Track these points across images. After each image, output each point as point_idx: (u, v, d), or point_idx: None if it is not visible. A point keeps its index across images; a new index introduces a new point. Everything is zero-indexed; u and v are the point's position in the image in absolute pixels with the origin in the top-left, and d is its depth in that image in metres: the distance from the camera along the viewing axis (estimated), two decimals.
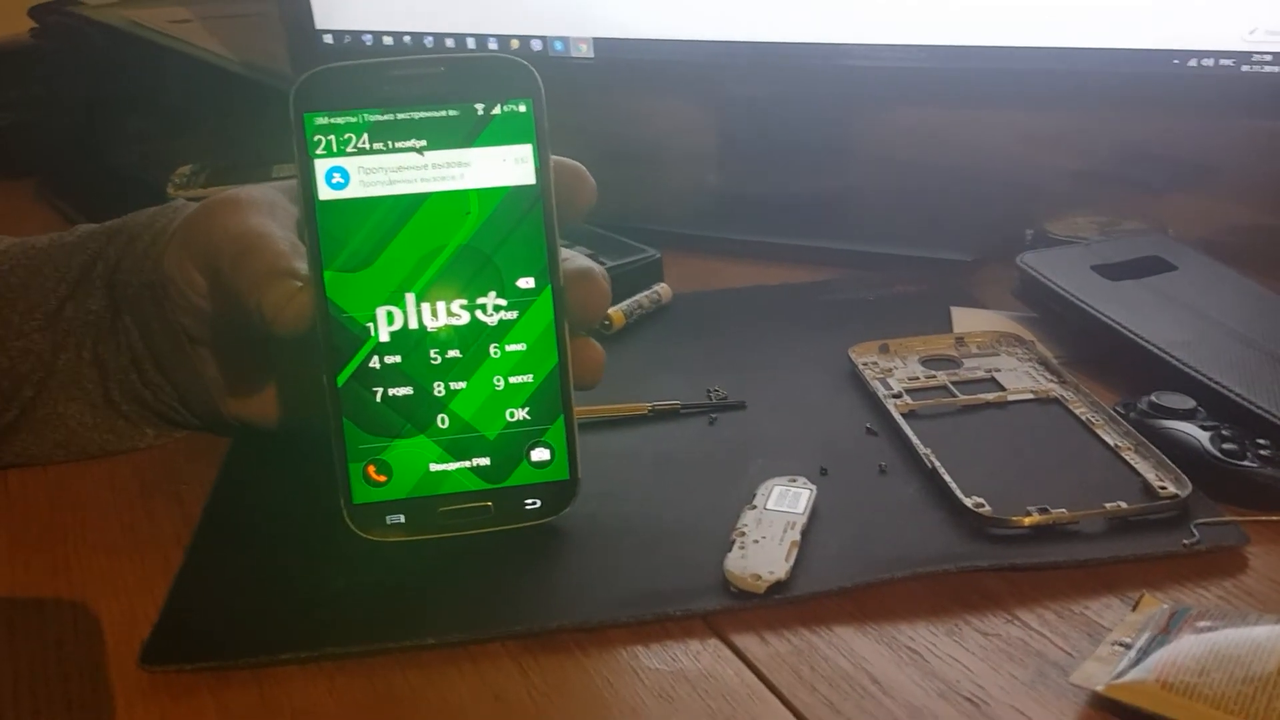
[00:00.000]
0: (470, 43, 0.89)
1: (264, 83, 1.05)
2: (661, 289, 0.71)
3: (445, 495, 0.48)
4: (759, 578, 0.44)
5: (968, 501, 0.48)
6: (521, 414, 0.48)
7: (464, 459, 0.48)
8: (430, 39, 0.92)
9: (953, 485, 0.49)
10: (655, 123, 0.97)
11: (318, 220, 0.47)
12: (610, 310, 0.67)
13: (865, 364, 0.61)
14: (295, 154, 0.46)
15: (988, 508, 0.48)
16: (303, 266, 0.48)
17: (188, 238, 0.53)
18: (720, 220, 0.84)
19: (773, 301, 0.72)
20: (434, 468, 0.48)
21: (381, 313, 0.47)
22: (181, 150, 1.00)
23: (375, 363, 0.47)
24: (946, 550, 0.46)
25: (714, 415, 0.58)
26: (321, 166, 0.46)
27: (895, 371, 0.61)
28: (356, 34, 0.95)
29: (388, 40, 0.94)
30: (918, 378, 0.60)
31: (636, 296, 0.70)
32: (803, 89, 0.82)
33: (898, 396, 0.58)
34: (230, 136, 1.02)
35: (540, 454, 0.48)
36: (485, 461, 0.48)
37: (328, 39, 0.97)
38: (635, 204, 0.84)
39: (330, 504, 0.47)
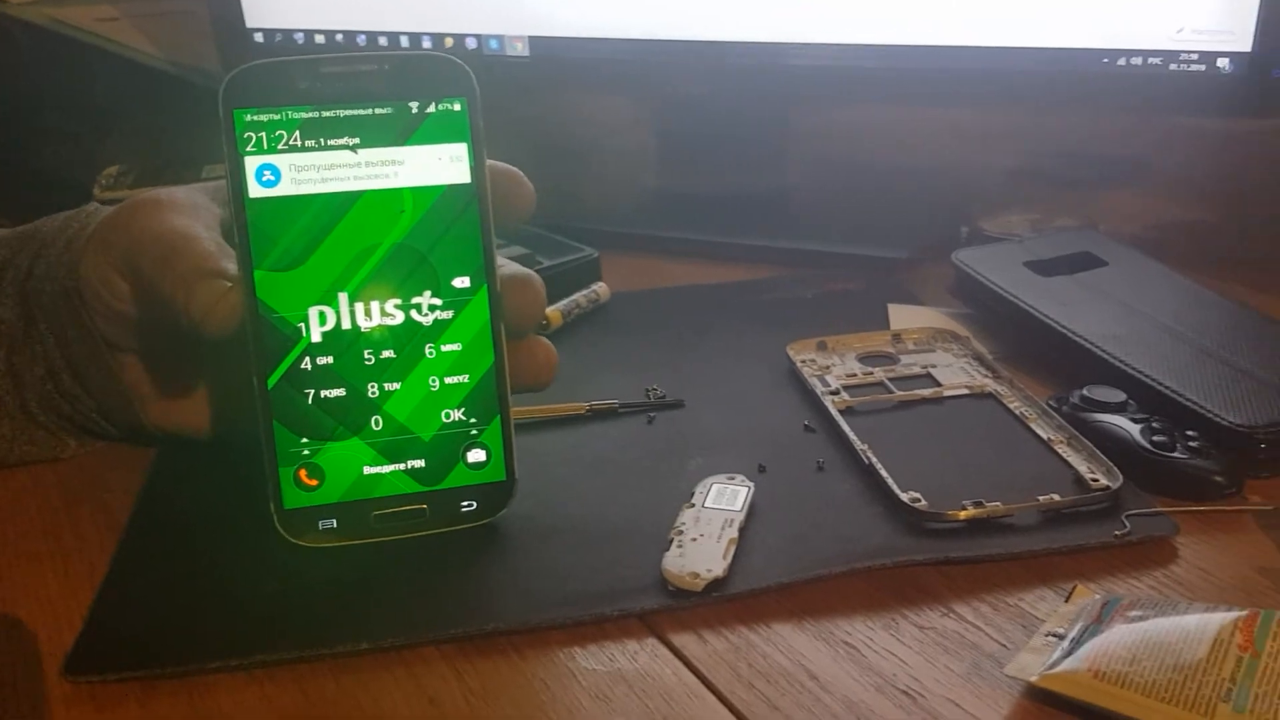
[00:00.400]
0: (404, 41, 0.88)
1: (193, 82, 1.03)
2: (599, 288, 0.71)
3: (379, 499, 0.47)
4: (697, 576, 0.44)
5: (904, 496, 0.48)
6: (457, 415, 0.47)
7: (398, 461, 0.47)
8: (363, 37, 0.90)
9: (889, 480, 0.50)
10: (593, 122, 0.97)
11: (248, 218, 0.46)
12: (548, 310, 0.67)
13: (803, 361, 0.61)
14: (224, 150, 0.45)
15: (923, 502, 0.48)
16: (231, 266, 0.47)
17: (107, 240, 0.52)
18: (659, 219, 0.84)
19: (712, 300, 0.72)
20: (368, 471, 0.47)
21: (314, 313, 0.46)
22: (109, 151, 0.98)
23: (307, 364, 0.46)
24: (883, 545, 0.47)
25: (652, 414, 0.58)
26: (251, 164, 0.46)
27: (833, 368, 0.61)
28: (288, 32, 0.94)
29: (319, 39, 0.93)
30: (855, 374, 0.60)
31: (574, 296, 0.69)
32: (741, 88, 0.82)
33: (835, 393, 0.58)
34: (159, 137, 1.00)
35: (476, 455, 0.48)
36: (420, 464, 0.47)
37: (258, 37, 0.96)
38: (573, 203, 0.84)
39: (261, 508, 0.46)
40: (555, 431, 0.57)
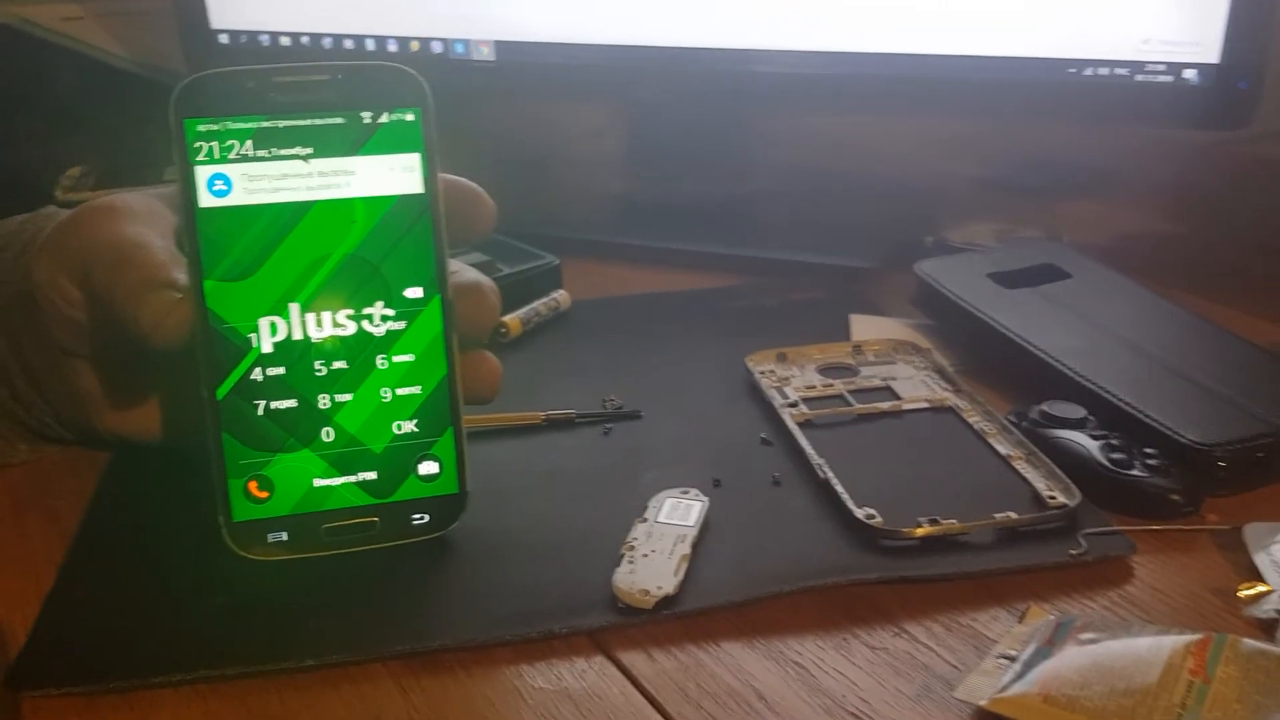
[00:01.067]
0: (370, 44, 0.87)
1: (157, 82, 1.02)
2: (560, 296, 0.70)
3: (329, 511, 0.46)
4: (647, 593, 0.44)
5: (859, 513, 0.48)
6: (409, 426, 0.47)
7: (349, 474, 0.46)
8: (329, 40, 0.90)
9: (844, 496, 0.49)
10: (558, 127, 0.96)
11: (198, 228, 0.45)
12: (506, 318, 0.66)
13: (762, 372, 0.61)
14: (175, 160, 0.45)
15: (879, 519, 0.48)
16: (182, 277, 0.46)
17: (60, 246, 0.51)
18: (622, 226, 0.84)
19: (673, 308, 0.72)
20: (318, 483, 0.46)
21: (264, 323, 0.46)
22: (72, 151, 0.97)
23: (257, 375, 0.46)
24: (836, 563, 0.46)
25: (609, 425, 0.57)
26: (203, 173, 0.45)
27: (792, 380, 0.60)
28: (253, 34, 0.93)
29: (285, 40, 0.92)
30: (814, 386, 0.60)
31: (534, 304, 0.69)
32: (707, 94, 0.81)
33: (794, 406, 0.57)
34: (122, 138, 0.99)
35: (428, 467, 0.47)
36: (371, 476, 0.47)
37: (223, 38, 0.95)
38: (535, 209, 0.83)
39: (211, 519, 0.46)
40: (510, 441, 0.56)
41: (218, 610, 0.45)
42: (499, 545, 0.48)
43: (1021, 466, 0.52)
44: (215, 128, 0.45)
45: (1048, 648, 0.40)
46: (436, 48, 0.85)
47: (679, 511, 0.48)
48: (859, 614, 0.44)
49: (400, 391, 0.47)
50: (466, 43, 0.84)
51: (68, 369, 0.53)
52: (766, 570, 0.46)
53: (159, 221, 0.50)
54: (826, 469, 0.51)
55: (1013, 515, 0.48)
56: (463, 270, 0.48)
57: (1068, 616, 0.43)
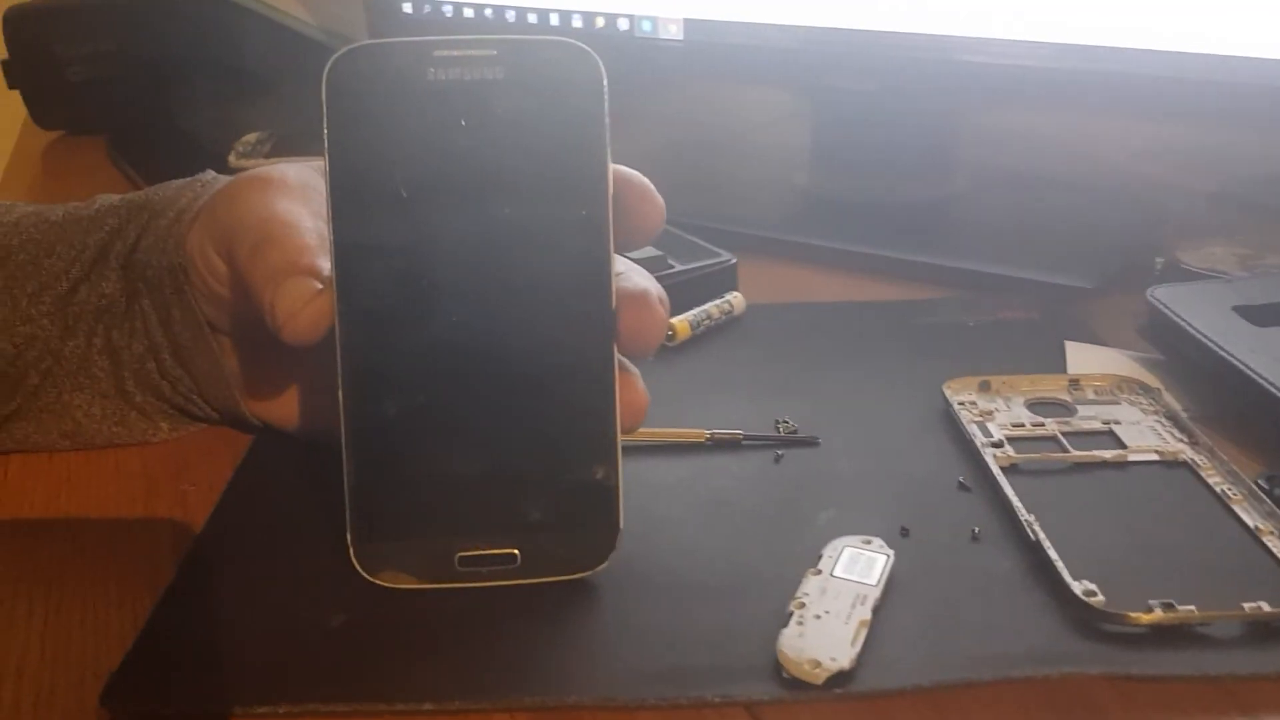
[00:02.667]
0: (554, 19, 0.83)
1: (335, 49, 1.00)
2: (734, 298, 0.64)
3: (466, 539, 0.41)
4: (818, 665, 0.37)
5: (1076, 587, 0.41)
6: (562, 451, 0.41)
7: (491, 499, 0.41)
8: (512, 13, 0.86)
9: (1059, 565, 0.42)
10: (743, 113, 0.90)
11: None
12: (675, 320, 0.61)
13: (962, 403, 0.53)
14: (324, 139, 0.40)
15: (1100, 597, 0.40)
16: (326, 265, 0.42)
17: (211, 217, 0.48)
18: (806, 225, 0.77)
19: (859, 321, 0.65)
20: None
21: None
22: (251, 116, 0.96)
23: None
24: (1047, 648, 0.39)
25: (781, 451, 0.51)
26: None
27: (996, 414, 0.53)
28: (436, 4, 0.90)
29: (468, 12, 0.88)
30: (1023, 424, 0.52)
31: (705, 306, 0.63)
32: (908, 84, 0.74)
33: (998, 446, 0.50)
34: (301, 106, 0.97)
35: (581, 498, 0.41)
36: (516, 503, 0.41)
37: (407, 8, 0.92)
38: (713, 201, 0.77)
39: (343, 527, 0.41)
40: (668, 459, 0.50)
41: (335, 632, 0.40)
42: (647, 586, 0.42)
43: (1274, 544, 0.43)
44: None
45: None
46: (623, 25, 0.80)
47: (859, 565, 0.42)
48: (1071, 713, 0.37)
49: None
50: (654, 20, 0.79)
51: (214, 346, 0.49)
52: (961, 650, 0.39)
53: (316, 198, 0.47)
54: (1037, 528, 0.44)
55: (1265, 607, 0.40)
56: (631, 272, 0.42)
57: None
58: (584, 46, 0.40)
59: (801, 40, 0.74)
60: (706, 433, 0.52)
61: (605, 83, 0.40)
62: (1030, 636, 0.39)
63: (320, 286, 0.42)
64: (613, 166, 0.41)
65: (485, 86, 0.40)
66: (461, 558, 0.41)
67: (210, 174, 0.53)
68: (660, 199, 0.42)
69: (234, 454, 0.52)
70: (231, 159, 0.89)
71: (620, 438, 0.41)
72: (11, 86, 1.04)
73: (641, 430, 0.50)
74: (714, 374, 0.59)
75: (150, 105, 1.03)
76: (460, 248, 0.40)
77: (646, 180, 0.42)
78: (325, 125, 0.40)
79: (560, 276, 0.41)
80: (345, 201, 0.40)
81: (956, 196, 0.79)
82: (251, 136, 0.92)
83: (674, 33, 0.79)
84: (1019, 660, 0.38)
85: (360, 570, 0.41)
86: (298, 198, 0.47)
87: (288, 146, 0.90)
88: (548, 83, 0.40)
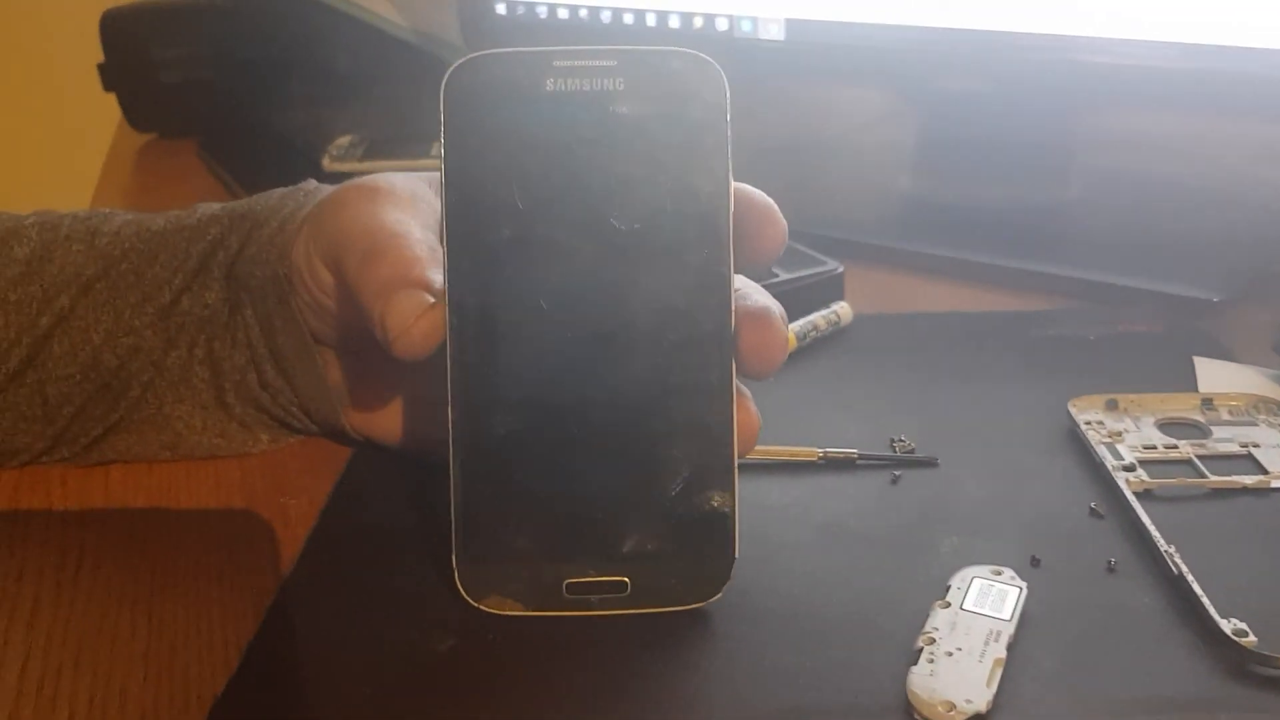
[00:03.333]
0: (650, 19, 0.81)
1: (432, 53, 1.00)
2: (841, 309, 0.62)
3: (575, 566, 0.40)
4: (952, 707, 0.35)
5: (1225, 626, 0.38)
6: (676, 476, 0.40)
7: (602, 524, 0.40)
8: (608, 13, 0.84)
9: (1205, 600, 0.39)
10: (848, 116, 0.87)
11: None
12: None
13: (1089, 422, 0.51)
14: (441, 148, 0.39)
15: (1251, 637, 0.37)
16: (438, 278, 0.41)
17: (318, 226, 0.47)
18: (915, 231, 0.74)
19: (972, 332, 0.62)
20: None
21: None
22: (343, 119, 0.96)
23: None
24: (1195, 693, 0.36)
25: (898, 471, 0.49)
26: None
27: (1126, 435, 0.50)
28: (530, 5, 0.89)
29: (563, 13, 0.87)
30: (1155, 446, 0.49)
31: (812, 316, 0.61)
32: (1020, 85, 0.71)
33: (1130, 469, 0.47)
34: (394, 108, 0.97)
35: (695, 525, 0.40)
36: (626, 532, 0.40)
37: (500, 9, 0.91)
38: (816, 206, 0.75)
39: (447, 548, 0.40)
40: (779, 480, 0.48)
41: (442, 657, 0.39)
42: (764, 615, 0.40)
43: None
44: None
45: None
46: (722, 24, 0.78)
47: (991, 598, 0.39)
48: None
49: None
50: (755, 20, 0.77)
51: (317, 358, 0.49)
52: (1104, 693, 0.36)
53: (424, 209, 0.45)
54: (1178, 559, 0.41)
55: None
56: (749, 290, 0.41)
57: None
58: (706, 58, 0.39)
59: (910, 41, 0.71)
60: (819, 451, 0.49)
61: (728, 95, 0.38)
62: (1179, 680, 0.37)
63: (432, 300, 0.40)
64: (734, 184, 0.39)
65: (605, 97, 0.38)
66: (570, 585, 0.40)
67: (313, 183, 0.52)
68: (783, 220, 0.40)
69: (334, 467, 0.51)
70: (325, 162, 0.88)
71: (737, 463, 0.39)
72: (108, 89, 1.05)
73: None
74: (822, 388, 0.56)
75: (243, 107, 1.03)
76: (576, 262, 0.39)
77: (770, 200, 0.40)
78: (443, 134, 0.39)
79: (679, 294, 0.39)
80: (460, 212, 0.39)
81: (1073, 202, 0.76)
82: (344, 139, 0.91)
83: (775, 33, 0.76)
84: (1168, 706, 0.36)
85: (464, 594, 0.40)
86: (406, 208, 0.45)
87: (381, 149, 0.90)
88: (669, 94, 0.38)
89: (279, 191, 0.52)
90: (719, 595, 0.40)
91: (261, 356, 0.50)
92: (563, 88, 0.38)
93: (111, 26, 1.04)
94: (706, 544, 0.40)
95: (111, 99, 1.07)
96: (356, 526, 0.47)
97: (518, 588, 0.40)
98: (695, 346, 0.39)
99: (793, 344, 0.59)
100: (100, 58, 1.05)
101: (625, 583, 0.39)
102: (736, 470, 0.39)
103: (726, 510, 0.39)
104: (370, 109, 0.97)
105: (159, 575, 0.45)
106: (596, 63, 0.38)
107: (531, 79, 0.38)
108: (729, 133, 0.39)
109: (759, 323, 0.39)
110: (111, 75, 1.05)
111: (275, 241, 0.48)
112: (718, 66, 0.38)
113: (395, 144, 0.90)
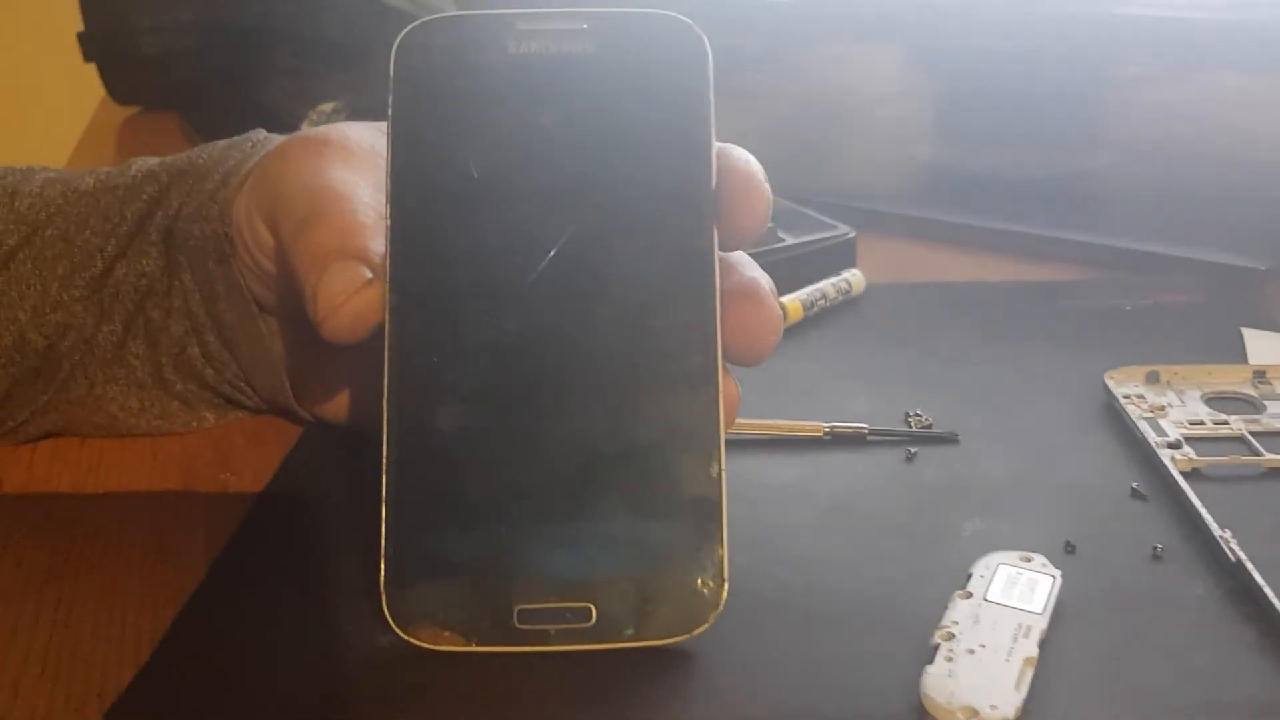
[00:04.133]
0: None
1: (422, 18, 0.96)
2: (852, 276, 0.57)
3: (529, 589, 0.34)
4: (975, 714, 0.30)
5: None
6: (651, 483, 0.34)
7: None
8: None
9: (1268, 591, 0.34)
10: (864, 75, 0.81)
11: None
12: (786, 299, 0.53)
13: (1127, 396, 0.45)
14: (388, 112, 0.35)
15: None
16: (379, 248, 0.35)
17: (260, 182, 0.42)
18: (933, 196, 0.69)
19: (996, 302, 0.57)
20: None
21: None
22: (331, 88, 0.91)
23: None
24: (1255, 694, 0.31)
25: (913, 448, 0.43)
26: None
27: (1169, 410, 0.44)
28: None
29: None
30: (1202, 422, 0.44)
31: (821, 284, 0.55)
32: (1052, 40, 0.65)
33: (1175, 446, 0.42)
34: (381, 74, 0.92)
35: (674, 541, 0.34)
36: (591, 547, 0.34)
37: None
38: (830, 171, 0.70)
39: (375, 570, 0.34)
40: (781, 457, 0.43)
41: (377, 656, 0.34)
42: (760, 607, 0.35)
43: None
44: None
45: None
46: None
47: (1019, 588, 0.34)
48: None
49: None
50: None
51: (262, 328, 0.43)
52: (1149, 695, 0.31)
53: (380, 166, 0.40)
54: (1234, 546, 0.36)
55: None
56: (739, 265, 0.35)
57: None
58: (686, 20, 0.35)
59: None
60: (825, 426, 0.44)
61: (710, 61, 0.34)
62: (1236, 681, 0.31)
63: (370, 275, 0.35)
64: (717, 147, 0.34)
65: (573, 62, 0.34)
66: (522, 612, 0.33)
67: (261, 132, 0.46)
68: (767, 190, 0.35)
69: (285, 442, 0.46)
70: (304, 127, 0.83)
71: (725, 468, 0.34)
72: (88, 59, 1.01)
73: (748, 421, 0.43)
74: (831, 360, 0.51)
75: (227, 78, 0.99)
76: (536, 239, 0.34)
77: (753, 166, 0.35)
78: (391, 98, 0.35)
79: (654, 276, 0.34)
80: (406, 180, 0.34)
81: (1105, 165, 0.70)
82: (327, 106, 0.87)
83: None
84: (1224, 712, 0.30)
85: (392, 624, 0.33)
86: (357, 165, 0.40)
87: (364, 117, 0.84)
88: (644, 60, 0.34)
89: (223, 142, 0.46)
90: (705, 628, 0.33)
91: (203, 325, 0.44)
92: (526, 50, 0.34)
93: None
94: (689, 565, 0.33)
95: (92, 71, 1.02)
96: (301, 506, 0.42)
97: (459, 615, 0.33)
98: (674, 334, 0.33)
99: (798, 314, 0.54)
100: (79, 26, 1.00)
101: (589, 610, 0.33)
102: (725, 478, 0.34)
103: (712, 524, 0.33)
104: (359, 77, 0.92)
105: (75, 558, 0.40)
106: (565, 25, 0.35)
107: (493, 41, 0.34)
108: (711, 101, 0.34)
109: (747, 298, 0.34)
110: (91, 45, 1.01)
111: (216, 198, 0.43)
112: (699, 30, 0.35)
113: (380, 111, 0.85)
